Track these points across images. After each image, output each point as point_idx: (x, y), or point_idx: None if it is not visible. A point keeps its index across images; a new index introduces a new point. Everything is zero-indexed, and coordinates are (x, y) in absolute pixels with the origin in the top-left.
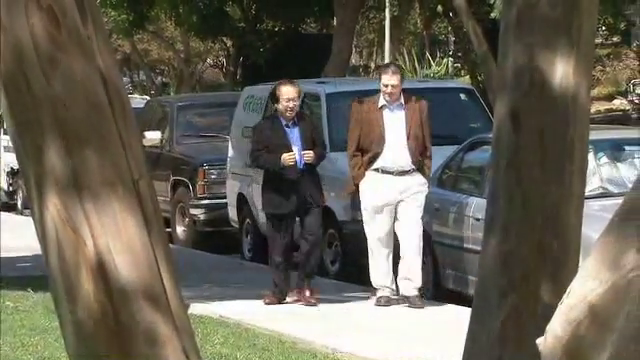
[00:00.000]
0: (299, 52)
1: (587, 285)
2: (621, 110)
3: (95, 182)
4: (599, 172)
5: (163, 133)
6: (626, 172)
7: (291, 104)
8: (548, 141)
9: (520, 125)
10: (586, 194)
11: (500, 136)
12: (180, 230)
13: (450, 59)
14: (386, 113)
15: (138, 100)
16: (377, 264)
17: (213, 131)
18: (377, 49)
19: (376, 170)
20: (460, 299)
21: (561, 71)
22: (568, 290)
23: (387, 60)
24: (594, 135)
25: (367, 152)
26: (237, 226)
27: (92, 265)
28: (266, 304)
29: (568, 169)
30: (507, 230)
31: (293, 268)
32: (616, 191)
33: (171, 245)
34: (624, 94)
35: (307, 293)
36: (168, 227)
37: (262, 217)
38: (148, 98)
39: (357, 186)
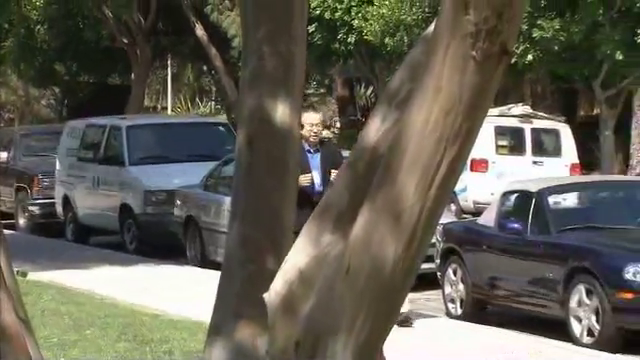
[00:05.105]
0: (107, 97)
1: (297, 256)
2: (327, 138)
3: None
4: None
5: (9, 153)
6: None
7: (315, 129)
8: (271, 159)
9: (253, 148)
10: None
11: (240, 155)
12: (22, 221)
13: (213, 103)
14: None
15: None
16: None
17: (46, 151)
18: (162, 95)
19: None
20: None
21: (281, 112)
22: (285, 260)
23: (170, 103)
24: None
25: None
26: (63, 218)
27: None
28: None
29: (285, 179)
30: (244, 219)
31: None
32: None
33: (15, 232)
34: (329, 128)
35: None
36: (13, 219)
37: (81, 211)
38: None
39: None
